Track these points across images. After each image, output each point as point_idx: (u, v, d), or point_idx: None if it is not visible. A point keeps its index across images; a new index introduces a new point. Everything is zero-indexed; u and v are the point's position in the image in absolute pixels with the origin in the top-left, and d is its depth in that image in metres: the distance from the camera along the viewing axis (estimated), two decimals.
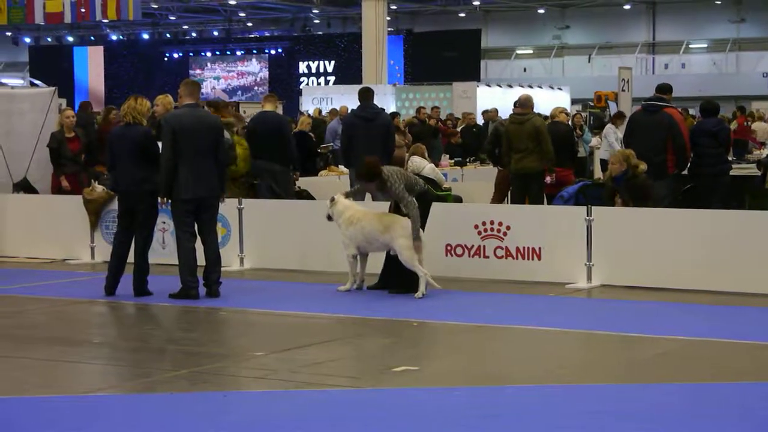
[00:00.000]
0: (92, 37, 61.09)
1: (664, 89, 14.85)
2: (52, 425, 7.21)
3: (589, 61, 54.01)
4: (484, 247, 13.13)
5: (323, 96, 37.75)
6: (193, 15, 58.72)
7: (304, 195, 16.56)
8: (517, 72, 54.31)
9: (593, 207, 12.79)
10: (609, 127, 22.20)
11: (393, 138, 15.90)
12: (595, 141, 24.20)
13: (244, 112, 27.07)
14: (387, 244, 12.07)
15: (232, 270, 13.81)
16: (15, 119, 17.31)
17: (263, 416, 7.37)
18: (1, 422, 7.32)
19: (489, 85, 37.71)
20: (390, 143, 15.61)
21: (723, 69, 52.34)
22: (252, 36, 60.54)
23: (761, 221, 12.24)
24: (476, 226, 13.15)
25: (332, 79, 52.21)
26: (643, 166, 13.55)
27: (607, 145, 21.72)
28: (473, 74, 46.37)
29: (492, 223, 13.09)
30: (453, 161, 22.79)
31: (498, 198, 16.64)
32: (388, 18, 37.36)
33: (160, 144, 13.15)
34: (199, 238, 12.08)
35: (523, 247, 12.96)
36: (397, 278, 12.19)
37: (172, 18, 58.63)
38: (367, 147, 15.27)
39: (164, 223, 14.14)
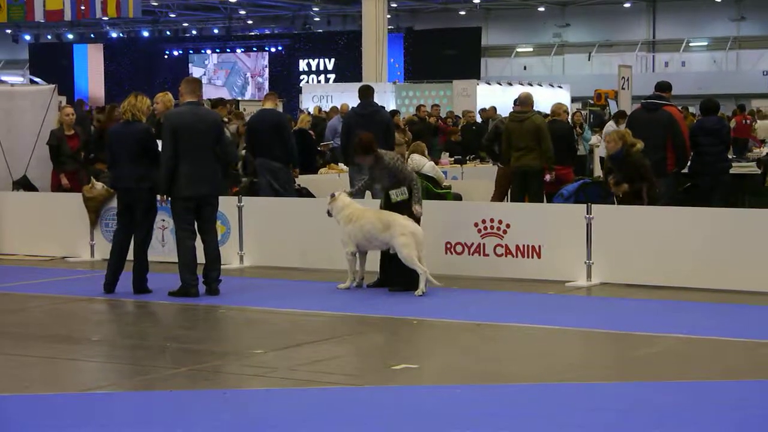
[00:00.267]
0: (92, 35, 61.09)
1: (663, 87, 14.84)
2: (51, 423, 7.21)
3: (589, 59, 54.02)
4: (484, 245, 13.13)
5: (323, 94, 37.74)
6: (193, 13, 58.73)
7: (304, 193, 16.56)
8: (517, 70, 54.29)
9: (593, 205, 12.79)
10: (610, 125, 22.21)
11: (393, 136, 15.90)
12: (595, 139, 24.21)
13: (244, 110, 27.06)
14: (386, 242, 12.07)
15: (231, 268, 13.81)
16: (15, 117, 17.30)
17: (263, 414, 7.37)
18: (1, 419, 7.32)
19: (489, 83, 37.70)
20: (390, 141, 15.60)
21: (723, 67, 52.35)
22: (252, 33, 60.53)
23: (761, 219, 12.24)
24: (476, 224, 13.15)
25: (332, 76, 52.21)
26: (639, 145, 13.53)
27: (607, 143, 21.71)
28: (473, 72, 46.35)
29: (492, 221, 13.09)
30: (453, 159, 22.79)
31: (498, 196, 16.64)
32: (389, 16, 37.36)
33: (159, 142, 13.18)
34: (198, 236, 12.07)
35: (523, 245, 12.96)
36: (398, 276, 12.20)
37: (172, 15, 58.62)
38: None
39: (164, 221, 14.14)
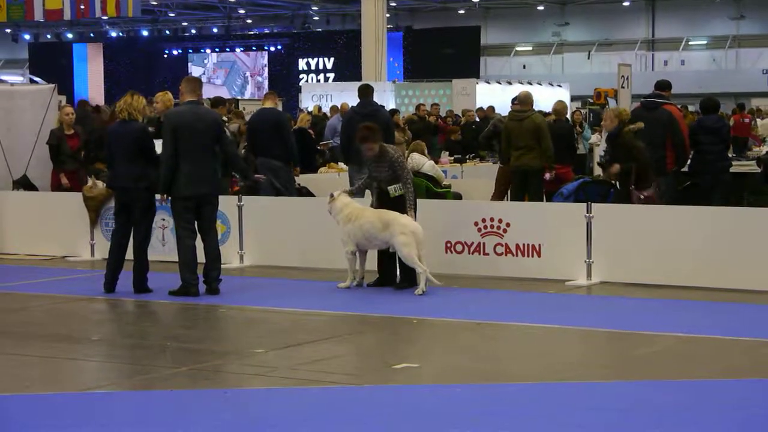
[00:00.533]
0: (92, 34, 61.10)
1: (663, 86, 14.85)
2: (51, 422, 7.22)
3: (588, 58, 54.03)
4: (483, 244, 13.14)
5: (322, 93, 37.72)
6: (193, 12, 58.74)
7: (304, 192, 16.56)
8: (516, 69, 54.30)
9: (593, 204, 12.80)
10: None
11: (393, 135, 15.91)
12: (594, 138, 24.21)
13: (244, 109, 27.05)
14: (386, 241, 12.08)
15: (231, 267, 13.81)
16: (15, 116, 17.30)
17: (263, 413, 7.37)
18: (1, 419, 7.32)
19: (488, 82, 37.71)
20: (390, 140, 15.57)
21: (722, 66, 52.36)
22: (251, 33, 60.52)
23: (761, 218, 12.25)
24: (476, 223, 13.15)
25: (331, 76, 52.20)
26: (634, 126, 13.56)
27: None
28: (473, 71, 46.33)
29: (492, 220, 13.10)
30: (452, 158, 22.79)
31: (498, 195, 16.64)
32: (388, 15, 37.33)
33: (157, 141, 13.19)
34: (199, 236, 12.07)
35: (523, 244, 12.97)
36: (401, 273, 12.23)
37: (172, 15, 58.63)
38: None
39: (164, 220, 14.15)
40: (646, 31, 55.08)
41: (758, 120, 31.25)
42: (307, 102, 36.30)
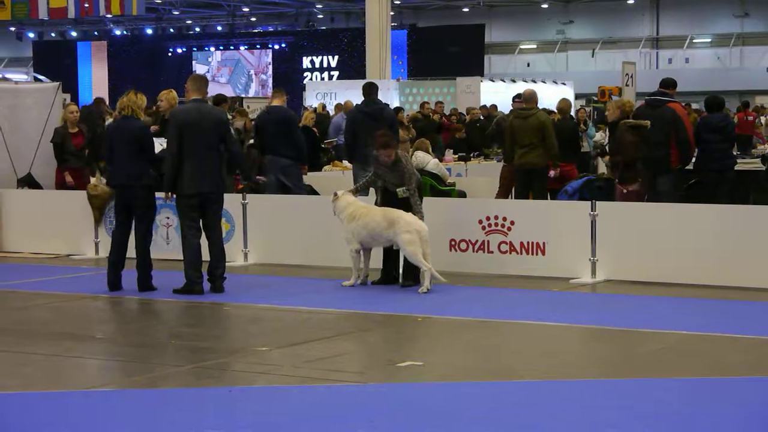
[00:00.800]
0: (96, 32, 61.13)
1: (668, 84, 14.82)
2: (56, 421, 7.22)
3: (592, 56, 54.00)
4: (488, 242, 13.13)
5: (327, 91, 37.73)
6: (197, 10, 58.75)
7: (308, 190, 16.55)
8: (520, 67, 54.31)
9: (597, 202, 12.79)
10: None
11: (397, 133, 15.89)
12: (599, 136, 24.18)
13: (248, 107, 27.06)
14: (390, 239, 12.08)
15: (236, 265, 13.82)
16: (19, 114, 17.31)
17: (268, 411, 7.37)
18: (7, 418, 7.33)
19: (493, 80, 37.69)
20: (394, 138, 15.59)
21: (727, 64, 52.32)
22: (256, 31, 60.53)
23: (765, 216, 12.23)
24: (480, 221, 13.15)
25: (336, 74, 52.19)
26: (633, 122, 13.67)
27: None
28: (477, 69, 46.28)
29: (496, 218, 13.09)
30: (457, 156, 22.79)
31: (503, 193, 16.63)
32: (392, 13, 37.37)
33: (156, 140, 13.22)
34: (203, 234, 12.08)
35: (528, 242, 12.96)
36: (405, 272, 12.24)
37: (176, 13, 58.63)
38: (371, 142, 15.27)
39: (168, 218, 14.16)
40: (650, 29, 55.05)
41: (762, 118, 31.23)
42: (312, 100, 36.29)
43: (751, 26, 53.16)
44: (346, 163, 18.35)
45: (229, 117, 16.45)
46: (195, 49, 57.19)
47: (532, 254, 12.95)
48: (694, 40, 53.83)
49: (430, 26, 54.28)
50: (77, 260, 15.02)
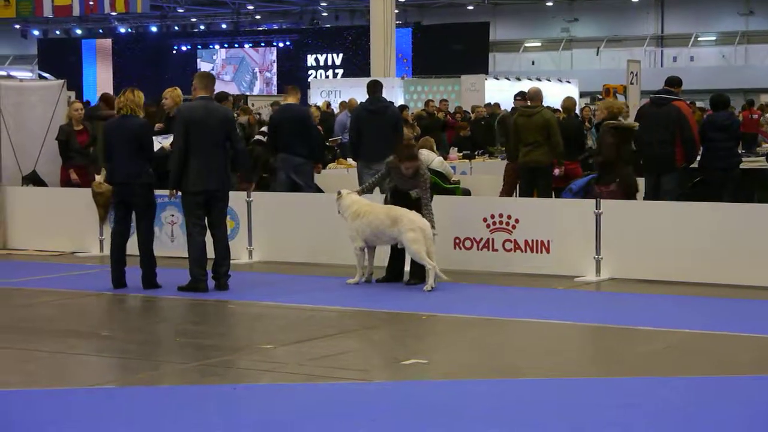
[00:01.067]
0: (101, 30, 61.17)
1: (673, 82, 14.81)
2: (60, 418, 7.23)
3: (597, 54, 53.98)
4: (492, 240, 13.13)
5: (331, 89, 37.71)
6: (202, 8, 58.77)
7: (314, 189, 16.55)
8: (525, 65, 54.29)
9: (602, 200, 12.79)
10: None
11: (401, 131, 15.90)
12: None
13: (252, 104, 27.09)
14: (394, 237, 12.08)
15: (240, 263, 13.82)
16: (24, 112, 17.31)
17: (272, 409, 7.38)
18: (11, 415, 7.33)
19: (497, 78, 37.67)
20: (398, 136, 15.61)
21: (732, 62, 52.27)
22: (260, 29, 60.54)
23: None
24: (485, 219, 13.15)
25: (340, 71, 52.19)
26: (615, 122, 13.79)
27: None
28: (481, 67, 46.29)
29: (501, 216, 13.09)
30: (461, 154, 22.78)
31: (507, 191, 16.64)
32: (396, 11, 37.31)
33: (155, 138, 13.22)
34: (208, 231, 12.08)
35: (532, 240, 12.96)
36: (412, 269, 12.24)
37: (181, 11, 58.66)
38: (376, 140, 15.30)
39: (173, 216, 14.17)
40: (655, 27, 55.02)
41: (767, 116, 31.21)
42: (316, 98, 36.28)
43: (756, 24, 53.11)
44: (350, 161, 18.34)
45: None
46: (200, 46, 57.22)
47: (537, 252, 12.95)
48: (699, 39, 53.79)
49: (434, 24, 54.25)
50: (82, 258, 15.03)
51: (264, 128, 19.07)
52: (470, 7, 56.46)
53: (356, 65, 48.85)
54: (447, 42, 49.91)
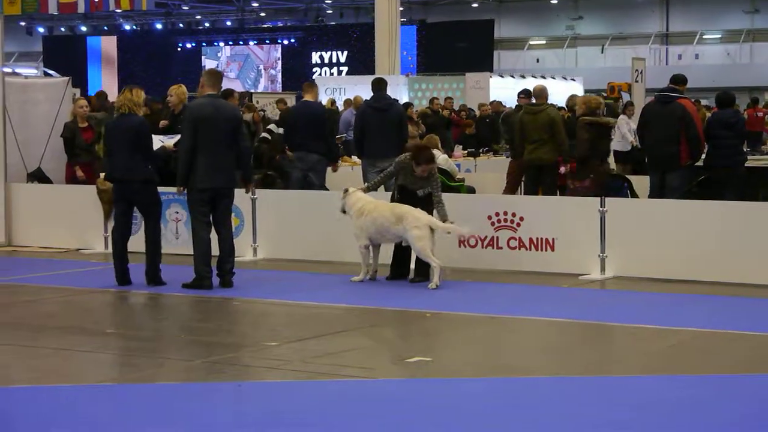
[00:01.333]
0: (105, 27, 61.16)
1: (678, 80, 14.80)
2: (64, 415, 7.23)
3: (602, 52, 53.90)
4: (497, 238, 13.13)
5: (336, 86, 37.72)
6: (206, 5, 58.75)
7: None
8: (530, 62, 54.22)
9: (607, 198, 12.78)
10: (622, 118, 22.19)
11: (406, 128, 15.90)
12: None
13: (257, 102, 27.09)
14: (399, 235, 12.08)
15: (245, 260, 13.83)
16: (29, 109, 17.31)
17: (277, 406, 7.38)
18: (16, 411, 7.34)
19: (502, 76, 37.66)
20: (403, 134, 15.61)
21: (737, 60, 52.18)
22: (265, 26, 60.53)
23: None
24: (489, 217, 13.15)
25: (345, 69, 52.18)
26: (591, 118, 13.88)
27: (620, 136, 21.70)
28: (486, 65, 46.29)
29: (505, 214, 13.09)
30: (466, 152, 22.77)
31: (510, 189, 16.63)
32: (401, 8, 37.23)
33: (156, 137, 13.24)
34: (213, 228, 12.09)
35: (537, 238, 12.95)
36: (417, 267, 12.25)
37: (185, 8, 58.65)
38: (380, 138, 15.29)
39: (177, 213, 14.17)
40: (660, 24, 54.94)
41: None
42: (321, 96, 36.26)
43: (762, 22, 53.03)
44: (355, 158, 18.33)
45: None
46: (204, 44, 57.25)
47: (542, 250, 12.94)
48: (704, 36, 53.72)
49: (439, 22, 54.23)
50: (86, 254, 15.04)
51: (270, 126, 19.08)
52: (475, 5, 56.41)
53: (361, 63, 48.83)
54: (452, 40, 49.90)
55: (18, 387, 7.98)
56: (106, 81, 55.43)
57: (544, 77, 36.41)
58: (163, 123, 14.69)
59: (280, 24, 60.32)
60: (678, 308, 11.02)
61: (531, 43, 57.03)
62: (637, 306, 11.18)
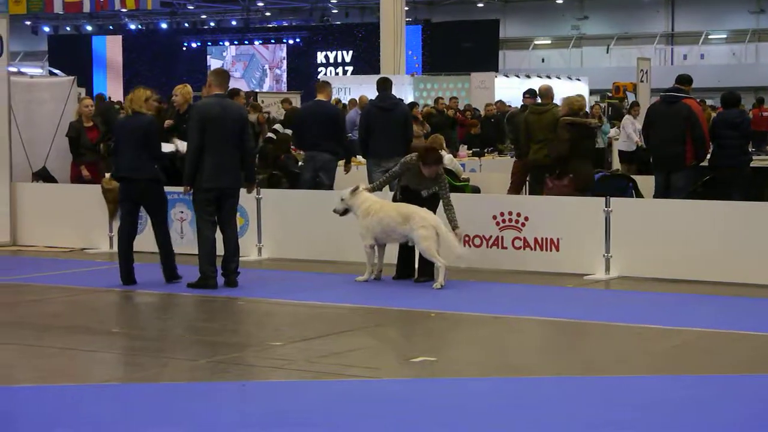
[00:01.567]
0: (111, 27, 61.21)
1: (684, 80, 14.79)
2: (69, 414, 7.24)
3: (607, 52, 53.88)
4: (502, 237, 13.13)
5: (341, 86, 37.68)
6: (212, 5, 58.77)
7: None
8: (535, 62, 54.19)
9: (612, 198, 12.77)
10: (627, 118, 22.21)
11: (411, 128, 15.90)
12: (613, 132, 24.15)
13: (262, 101, 27.09)
14: (405, 235, 12.08)
15: (250, 260, 13.82)
16: (34, 108, 17.33)
17: (281, 406, 7.38)
18: (22, 411, 7.35)
19: (507, 76, 37.62)
20: (408, 133, 15.62)
21: (742, 60, 52.14)
22: (270, 26, 60.54)
23: None
24: (494, 217, 13.15)
25: (350, 69, 52.17)
26: (571, 118, 13.95)
27: (625, 136, 21.72)
28: (491, 64, 46.26)
29: (510, 213, 13.08)
30: (471, 152, 22.77)
31: (514, 189, 16.62)
32: (406, 8, 37.24)
33: (178, 142, 13.26)
34: (218, 228, 12.10)
35: (542, 238, 12.95)
36: (421, 267, 12.24)
37: (191, 7, 58.68)
38: (385, 137, 15.29)
39: (182, 212, 14.17)
40: (665, 24, 54.90)
41: None
42: None
43: (767, 22, 52.97)
44: (360, 158, 18.33)
45: None
46: (209, 43, 57.25)
47: (546, 250, 12.94)
48: (709, 36, 53.67)
49: (444, 21, 54.20)
50: (91, 254, 15.06)
51: (276, 125, 19.08)
52: (480, 5, 56.39)
53: (366, 62, 48.80)
54: (457, 39, 49.87)
55: (23, 386, 7.98)
56: (111, 81, 55.46)
57: (549, 77, 36.35)
58: (167, 122, 14.69)
59: (285, 23, 60.33)
60: (682, 308, 11.02)
61: (536, 42, 57.01)
62: (642, 306, 11.17)
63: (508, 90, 32.89)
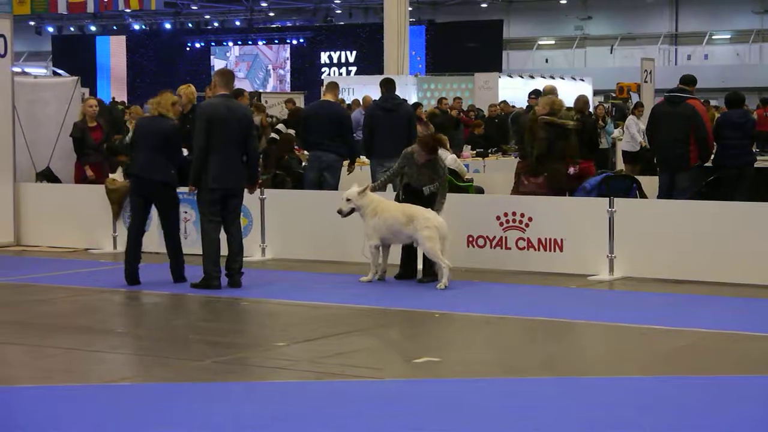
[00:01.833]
0: (114, 27, 61.23)
1: (688, 81, 14.79)
2: (74, 414, 7.24)
3: (611, 52, 53.83)
4: (505, 238, 13.12)
5: (345, 86, 37.65)
6: (215, 5, 58.78)
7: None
8: (539, 63, 54.16)
9: (615, 198, 12.77)
10: (630, 119, 22.18)
11: (415, 129, 15.88)
12: (617, 132, 24.14)
13: (266, 102, 27.09)
14: (410, 235, 12.08)
15: (253, 260, 13.83)
16: (38, 109, 17.35)
17: (285, 406, 7.37)
18: (25, 410, 7.35)
19: (511, 76, 37.60)
20: (412, 134, 15.59)
21: (746, 60, 52.08)
22: (274, 26, 60.56)
23: None
24: (498, 218, 13.14)
25: (354, 69, 52.16)
26: (549, 118, 13.96)
27: (629, 136, 21.69)
28: (495, 65, 46.25)
29: (514, 214, 13.08)
30: (475, 152, 22.76)
31: (517, 189, 16.59)
32: (410, 8, 37.26)
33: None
34: (221, 228, 12.10)
35: (545, 239, 12.94)
36: (425, 267, 12.24)
37: (194, 8, 58.70)
38: (389, 138, 15.27)
39: (186, 213, 14.17)
40: (669, 25, 54.85)
41: None
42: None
43: None
44: (363, 158, 18.33)
45: None
46: (213, 44, 57.27)
47: (550, 251, 12.93)
48: (713, 37, 53.63)
49: (448, 22, 54.19)
50: (95, 254, 15.06)
51: (279, 125, 19.07)
52: (484, 5, 56.37)
53: (370, 63, 48.79)
54: (460, 40, 49.85)
55: (26, 386, 7.98)
56: (115, 81, 55.49)
57: (553, 77, 36.34)
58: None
59: (288, 24, 60.34)
60: (686, 309, 11.01)
61: (540, 43, 56.98)
62: (646, 307, 11.16)
63: (512, 90, 32.87)
